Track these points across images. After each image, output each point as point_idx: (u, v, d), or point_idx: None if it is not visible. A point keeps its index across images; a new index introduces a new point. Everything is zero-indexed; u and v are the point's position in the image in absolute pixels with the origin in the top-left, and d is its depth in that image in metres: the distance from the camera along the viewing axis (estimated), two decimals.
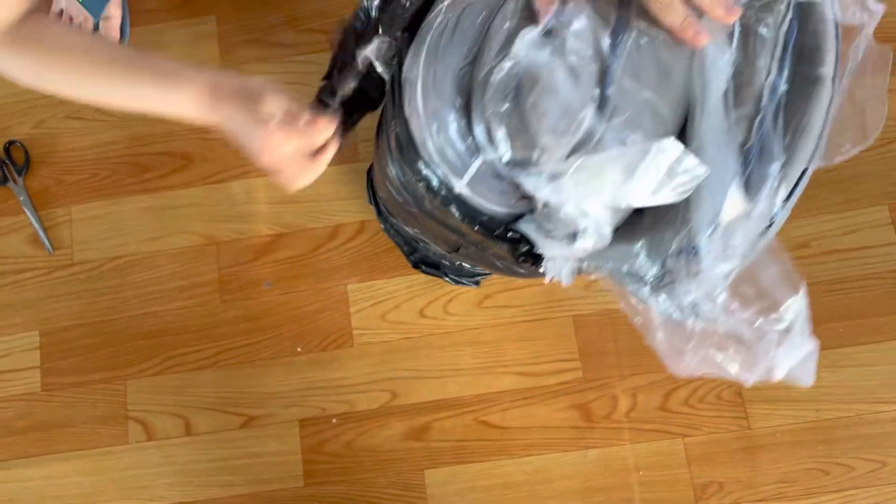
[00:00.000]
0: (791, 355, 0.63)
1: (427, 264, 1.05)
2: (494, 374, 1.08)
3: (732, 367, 0.64)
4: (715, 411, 1.05)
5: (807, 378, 0.64)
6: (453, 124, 0.63)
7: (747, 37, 0.62)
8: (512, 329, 1.09)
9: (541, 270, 0.69)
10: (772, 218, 0.63)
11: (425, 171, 0.66)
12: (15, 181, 1.18)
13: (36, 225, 1.16)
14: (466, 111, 0.64)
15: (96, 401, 1.11)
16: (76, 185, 1.19)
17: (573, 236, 0.62)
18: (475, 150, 0.64)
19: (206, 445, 1.09)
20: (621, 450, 1.05)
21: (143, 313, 1.14)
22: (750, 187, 0.61)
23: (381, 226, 1.03)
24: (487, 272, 1.04)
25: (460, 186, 0.65)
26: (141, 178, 1.18)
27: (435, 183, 0.66)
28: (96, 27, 1.20)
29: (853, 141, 0.66)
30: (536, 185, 0.61)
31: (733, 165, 0.60)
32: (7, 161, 1.19)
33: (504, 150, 0.62)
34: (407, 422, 1.07)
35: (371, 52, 0.68)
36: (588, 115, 0.59)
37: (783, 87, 0.62)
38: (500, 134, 0.61)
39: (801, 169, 0.63)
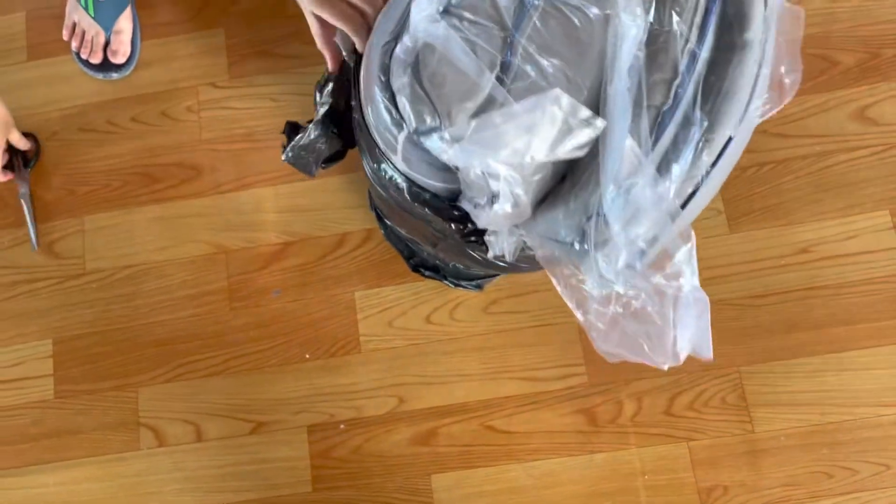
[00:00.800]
0: (687, 314, 0.64)
1: (426, 268, 1.07)
2: (500, 380, 1.09)
3: (646, 343, 0.66)
4: (719, 415, 1.06)
5: (706, 349, 0.66)
6: (381, 102, 0.65)
7: (664, 3, 0.63)
8: (518, 335, 1.10)
9: (489, 254, 0.71)
10: (696, 184, 0.64)
11: (378, 154, 0.68)
12: (20, 170, 1.20)
13: (29, 220, 1.18)
14: (389, 87, 0.65)
15: (108, 408, 1.13)
16: (88, 195, 1.21)
17: (492, 201, 0.64)
18: (400, 124, 0.65)
19: (217, 451, 1.10)
20: (627, 454, 1.06)
21: (154, 321, 1.15)
22: (673, 153, 0.62)
23: (382, 232, 1.04)
24: (488, 275, 1.05)
25: (397, 162, 0.67)
26: (151, 188, 1.20)
27: (384, 165, 0.69)
28: (108, 41, 1.23)
29: (771, 103, 0.66)
30: (441, 149, 0.62)
31: (638, 125, 0.61)
32: (16, 150, 1.20)
33: (409, 121, 0.63)
34: (414, 427, 1.09)
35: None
36: (487, 80, 0.60)
37: (704, 53, 0.63)
38: (402, 104, 0.63)
39: (726, 135, 0.64)
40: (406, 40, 0.63)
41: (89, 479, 1.11)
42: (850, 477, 1.03)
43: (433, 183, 0.68)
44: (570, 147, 0.60)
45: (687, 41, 0.63)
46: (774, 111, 0.66)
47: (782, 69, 0.66)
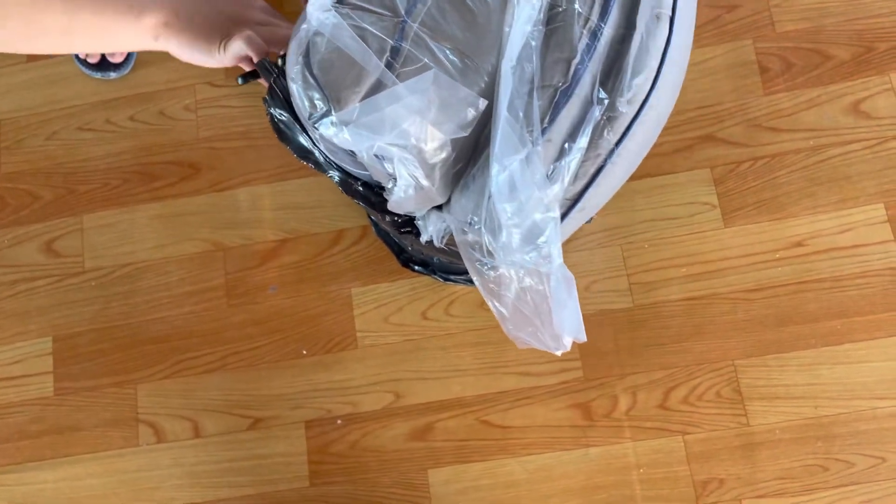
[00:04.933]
0: (558, 292, 0.65)
1: (415, 263, 1.08)
2: (496, 375, 1.10)
3: (538, 326, 0.67)
4: (714, 409, 1.06)
5: (579, 330, 0.67)
6: (294, 93, 0.66)
7: None
8: None
9: (422, 240, 0.71)
10: (600, 163, 0.64)
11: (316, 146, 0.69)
12: None
13: None
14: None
15: (107, 404, 1.14)
16: (88, 194, 1.22)
17: (395, 184, 0.64)
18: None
19: (215, 447, 1.11)
20: (622, 448, 1.06)
21: (153, 318, 1.16)
22: (572, 132, 0.62)
23: (373, 228, 1.05)
24: None
25: (319, 152, 0.68)
26: (150, 186, 1.21)
27: (320, 155, 0.70)
28: None
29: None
30: (333, 133, 0.63)
31: (531, 105, 0.61)
32: None
33: (304, 108, 0.64)
34: (410, 422, 1.09)
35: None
36: (374, 65, 0.61)
37: (608, 31, 0.63)
38: (296, 91, 0.64)
39: (630, 112, 0.64)
40: (301, 30, 0.64)
41: (89, 475, 1.12)
42: (846, 469, 1.03)
43: (354, 170, 0.69)
44: (454, 126, 0.61)
45: (588, 19, 0.63)
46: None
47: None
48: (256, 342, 1.14)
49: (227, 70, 1.25)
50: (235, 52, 0.67)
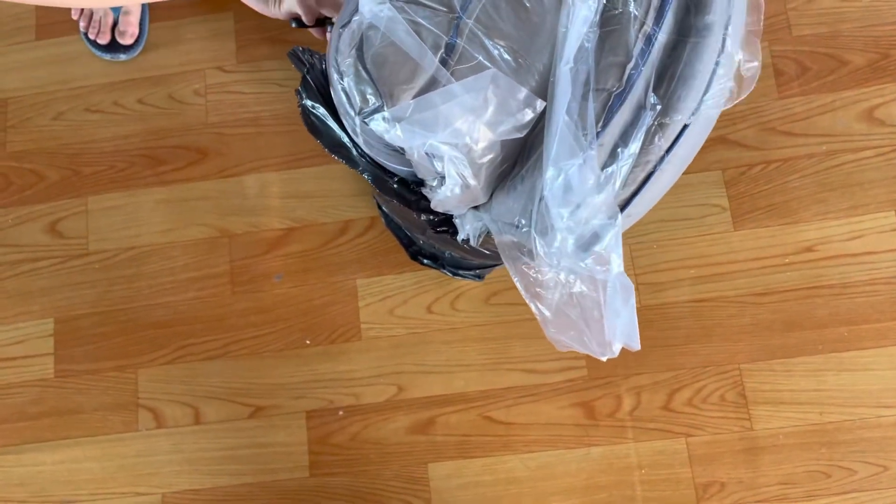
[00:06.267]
0: (614, 300, 0.64)
1: (425, 256, 1.07)
2: (500, 371, 1.09)
3: (585, 330, 0.66)
4: (718, 412, 1.06)
5: (634, 338, 0.66)
6: (336, 84, 0.65)
7: None
8: (518, 326, 1.10)
9: (458, 238, 0.71)
10: (650, 169, 0.63)
11: (350, 139, 0.69)
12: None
13: None
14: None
15: (108, 388, 1.13)
16: (93, 176, 1.21)
17: (441, 183, 0.64)
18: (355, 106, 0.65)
19: (215, 434, 1.11)
20: (624, 448, 1.06)
21: (156, 303, 1.16)
22: (624, 137, 0.62)
23: (382, 220, 1.04)
24: (484, 265, 1.05)
25: (362, 146, 0.68)
26: (157, 170, 1.20)
27: (354, 150, 0.69)
28: (116, 22, 1.23)
29: (730, 94, 0.66)
30: (384, 130, 0.62)
31: (585, 108, 0.60)
32: None
33: (355, 102, 0.63)
34: (412, 416, 1.09)
35: None
36: (429, 61, 0.60)
37: (662, 37, 0.62)
38: (348, 85, 0.63)
39: (681, 120, 0.63)
40: (354, 22, 0.63)
41: (88, 458, 1.11)
42: (848, 477, 1.03)
43: (395, 166, 0.68)
44: (510, 127, 0.60)
45: (643, 24, 0.62)
46: (733, 103, 0.66)
47: (740, 59, 0.65)
48: (260, 330, 1.13)
49: (237, 55, 1.24)
50: (288, 8, 0.79)
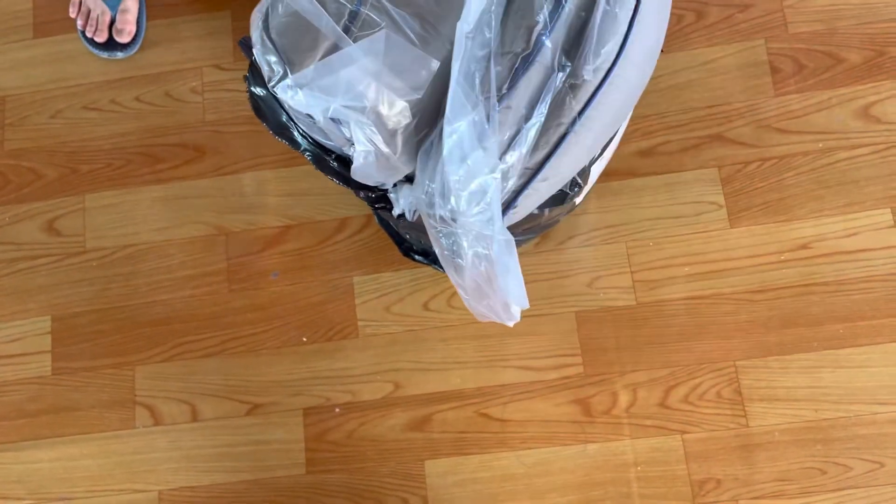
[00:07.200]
0: (501, 256, 0.64)
1: (416, 252, 1.07)
2: (496, 368, 1.09)
3: (490, 295, 0.66)
4: (714, 409, 1.06)
5: (521, 295, 0.66)
6: (256, 54, 0.66)
7: None
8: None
9: (394, 213, 0.71)
10: (563, 130, 0.63)
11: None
12: None
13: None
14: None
15: (105, 385, 1.13)
16: (91, 174, 1.21)
17: (351, 147, 0.64)
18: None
19: (212, 432, 1.11)
20: (620, 445, 1.06)
21: (153, 301, 1.16)
22: (532, 97, 0.61)
23: (375, 218, 1.04)
24: None
25: (295, 128, 0.68)
26: (154, 168, 1.21)
27: (295, 131, 0.69)
28: (113, 20, 1.23)
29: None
30: (290, 97, 0.62)
31: (488, 70, 0.60)
32: None
33: (265, 72, 0.64)
34: (409, 413, 1.09)
35: None
36: (330, 28, 0.60)
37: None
38: (257, 56, 0.64)
39: (594, 80, 0.63)
40: None
41: (85, 455, 1.11)
42: (844, 474, 1.03)
43: (328, 143, 0.69)
44: (406, 87, 0.60)
45: None
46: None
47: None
48: (257, 328, 1.13)
49: (235, 53, 1.24)
50: None
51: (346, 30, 0.61)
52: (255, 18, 0.65)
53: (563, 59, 0.62)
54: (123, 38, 1.23)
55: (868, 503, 1.02)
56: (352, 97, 0.60)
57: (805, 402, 1.05)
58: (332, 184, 1.16)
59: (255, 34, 0.64)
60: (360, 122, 0.62)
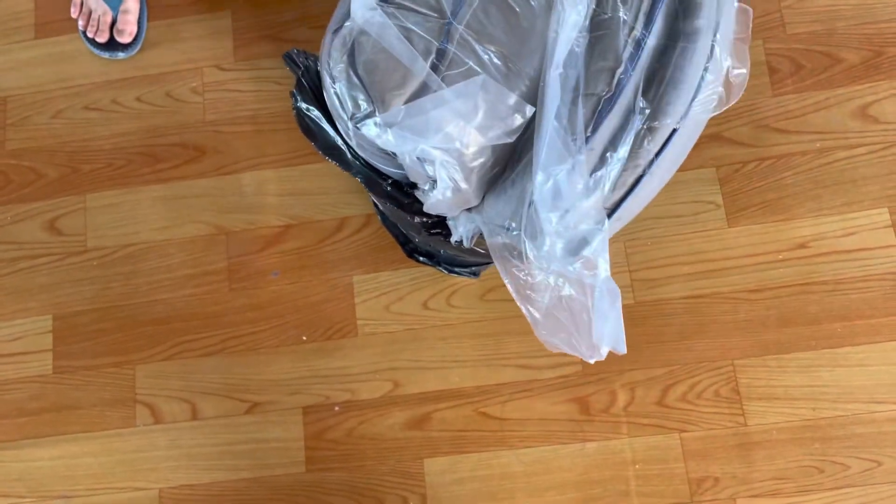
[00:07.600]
0: (601, 304, 0.64)
1: (420, 253, 1.08)
2: (495, 367, 1.10)
3: (574, 333, 0.66)
4: (712, 407, 1.06)
5: (620, 342, 0.66)
6: (329, 88, 0.66)
7: None
8: (513, 322, 1.11)
9: (452, 240, 0.71)
10: (639, 173, 0.63)
11: (343, 142, 0.69)
12: None
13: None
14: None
15: (106, 384, 1.14)
16: (92, 174, 1.22)
17: (432, 187, 0.64)
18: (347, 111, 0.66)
19: (212, 430, 1.11)
20: (618, 443, 1.06)
21: (154, 300, 1.16)
22: (613, 141, 0.62)
23: (379, 217, 1.05)
24: (477, 263, 1.05)
25: (356, 148, 0.68)
26: (154, 168, 1.21)
27: (348, 153, 0.69)
28: (114, 20, 1.23)
29: (719, 99, 0.66)
30: (376, 135, 0.62)
31: (575, 113, 0.61)
32: None
33: (347, 107, 0.64)
34: (408, 411, 1.09)
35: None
36: (420, 67, 0.61)
37: (651, 41, 0.62)
38: (340, 90, 0.64)
39: (670, 124, 0.64)
40: (345, 28, 0.63)
41: (86, 454, 1.12)
42: (841, 472, 1.03)
43: (388, 169, 0.69)
44: (500, 132, 0.60)
45: (632, 29, 0.62)
46: (723, 108, 0.66)
47: (728, 64, 0.66)
48: (257, 327, 1.14)
49: (235, 53, 1.24)
50: None
51: (434, 68, 0.61)
52: (337, 50, 0.64)
53: (643, 101, 0.62)
54: (124, 39, 1.23)
55: (865, 501, 1.02)
56: (441, 139, 0.60)
57: (803, 401, 1.05)
58: (331, 183, 1.18)
59: (339, 67, 0.63)
60: (445, 162, 0.62)
